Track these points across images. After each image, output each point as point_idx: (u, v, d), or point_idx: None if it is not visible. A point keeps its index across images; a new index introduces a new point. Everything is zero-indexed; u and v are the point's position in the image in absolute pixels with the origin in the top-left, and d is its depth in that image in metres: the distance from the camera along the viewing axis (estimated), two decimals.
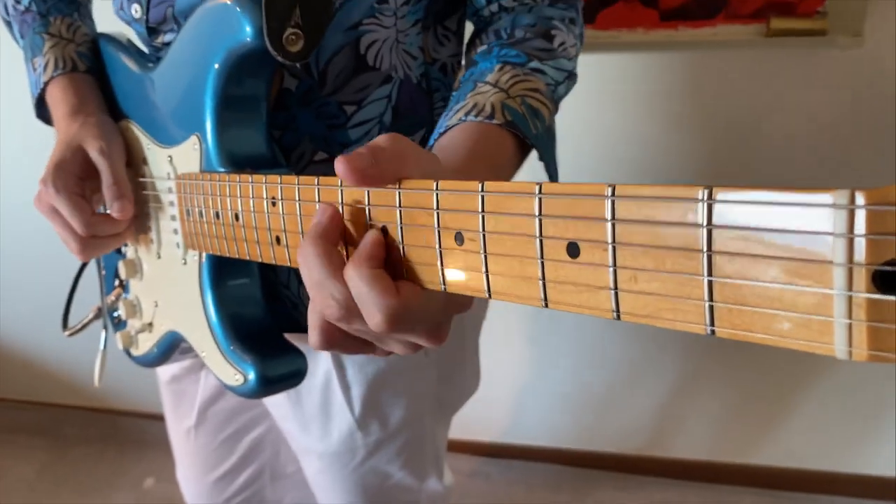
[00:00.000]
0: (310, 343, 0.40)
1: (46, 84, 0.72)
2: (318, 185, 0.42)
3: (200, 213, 0.57)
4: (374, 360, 0.75)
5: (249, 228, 0.50)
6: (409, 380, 0.78)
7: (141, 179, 0.69)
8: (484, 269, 0.31)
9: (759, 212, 0.22)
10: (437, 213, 0.32)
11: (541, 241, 0.28)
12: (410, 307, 0.34)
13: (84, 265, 0.93)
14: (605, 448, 1.64)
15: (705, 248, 0.23)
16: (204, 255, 0.62)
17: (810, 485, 1.57)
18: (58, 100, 0.71)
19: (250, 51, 0.51)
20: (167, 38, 0.66)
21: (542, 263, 0.28)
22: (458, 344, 0.81)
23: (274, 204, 0.47)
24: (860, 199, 0.21)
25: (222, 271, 0.63)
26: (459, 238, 0.31)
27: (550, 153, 0.55)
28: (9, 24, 0.79)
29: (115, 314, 0.81)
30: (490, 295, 0.31)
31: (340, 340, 0.39)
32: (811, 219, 0.21)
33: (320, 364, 0.74)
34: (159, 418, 1.01)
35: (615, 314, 0.26)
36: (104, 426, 1.91)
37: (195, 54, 0.56)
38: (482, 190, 0.30)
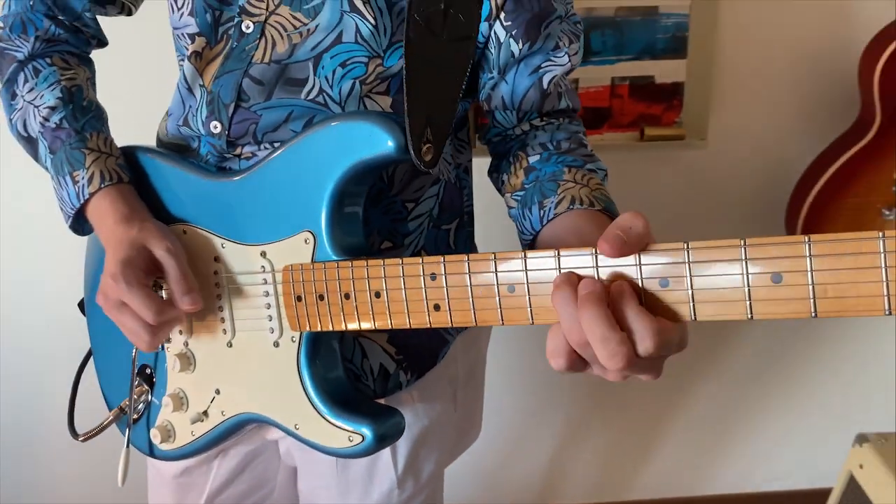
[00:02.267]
0: (555, 365, 0.52)
1: (91, 195, 0.75)
2: (468, 260, 0.57)
3: (321, 297, 0.67)
4: (418, 419, 0.85)
5: (396, 302, 0.62)
6: (441, 435, 0.89)
7: (215, 274, 0.76)
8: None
9: None
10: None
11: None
12: (668, 333, 0.48)
13: (82, 369, 0.94)
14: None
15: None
16: (303, 335, 0.71)
17: None
18: (107, 209, 0.75)
19: (385, 160, 0.64)
20: (246, 150, 0.76)
21: (749, 291, 0.45)
22: (474, 396, 0.94)
23: (434, 278, 0.59)
24: None
25: (317, 349, 0.72)
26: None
27: None
28: (32, 140, 0.79)
29: (139, 409, 0.83)
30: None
31: (580, 365, 0.52)
32: None
33: None
34: None
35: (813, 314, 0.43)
36: None
37: (313, 162, 0.67)
38: (688, 247, 0.47)
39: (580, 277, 0.51)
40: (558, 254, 0.52)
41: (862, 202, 1.35)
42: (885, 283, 0.41)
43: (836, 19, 1.39)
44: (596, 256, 0.51)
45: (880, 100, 1.29)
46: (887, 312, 0.41)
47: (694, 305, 0.48)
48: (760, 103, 1.44)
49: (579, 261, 0.52)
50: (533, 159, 0.76)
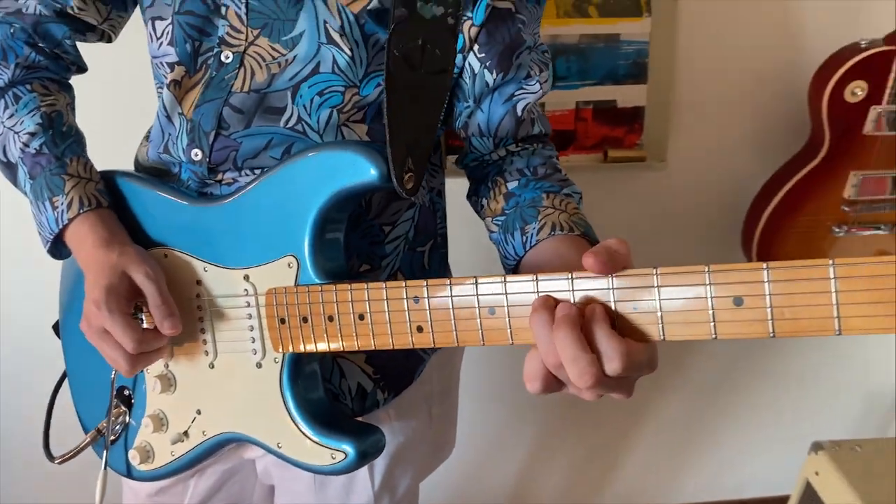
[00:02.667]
0: (530, 388, 0.55)
1: (70, 221, 0.76)
2: (450, 283, 0.59)
3: (305, 319, 0.69)
4: (394, 436, 0.87)
5: (380, 324, 0.64)
6: (417, 451, 0.91)
7: (197, 297, 0.77)
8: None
9: None
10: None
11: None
12: (636, 356, 0.51)
13: (57, 391, 0.94)
14: None
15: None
16: (286, 356, 0.73)
17: None
18: (86, 233, 0.76)
19: (368, 188, 0.67)
20: (227, 176, 0.78)
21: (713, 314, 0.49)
22: (449, 412, 0.96)
23: (417, 301, 0.62)
24: None
25: (299, 369, 0.74)
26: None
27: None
28: (12, 165, 0.80)
29: (116, 431, 0.84)
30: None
31: (555, 386, 0.55)
32: None
33: None
34: None
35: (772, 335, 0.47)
36: None
37: (297, 189, 0.70)
38: (657, 272, 0.51)
39: (557, 301, 0.54)
40: (537, 278, 0.55)
41: (813, 221, 1.41)
42: (835, 306, 0.45)
43: (787, 46, 1.46)
44: (572, 281, 0.54)
45: (828, 123, 1.36)
46: (837, 332, 0.45)
47: (663, 326, 0.51)
48: (717, 127, 1.51)
49: (556, 285, 0.55)
50: (511, 185, 0.79)
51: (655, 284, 0.51)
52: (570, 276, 0.54)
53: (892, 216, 1.42)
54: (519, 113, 0.80)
